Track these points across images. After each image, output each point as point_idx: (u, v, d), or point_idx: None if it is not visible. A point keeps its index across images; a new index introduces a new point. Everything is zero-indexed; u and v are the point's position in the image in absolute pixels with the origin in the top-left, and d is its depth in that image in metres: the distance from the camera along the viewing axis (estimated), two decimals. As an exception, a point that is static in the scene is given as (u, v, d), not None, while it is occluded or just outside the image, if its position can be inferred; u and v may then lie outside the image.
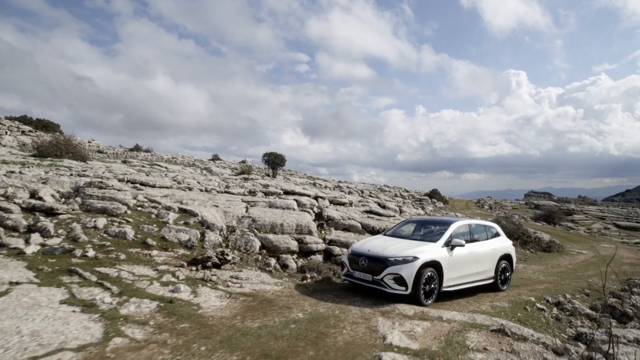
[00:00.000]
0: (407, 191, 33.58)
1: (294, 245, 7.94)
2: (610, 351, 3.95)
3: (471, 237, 6.85)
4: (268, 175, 31.58)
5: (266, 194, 11.85)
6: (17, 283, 4.36)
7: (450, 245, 6.20)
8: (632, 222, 29.67)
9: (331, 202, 12.63)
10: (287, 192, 12.49)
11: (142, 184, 10.43)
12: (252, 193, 11.71)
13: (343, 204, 13.02)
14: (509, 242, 7.79)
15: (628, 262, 12.00)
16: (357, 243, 6.72)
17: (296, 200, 10.93)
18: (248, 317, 4.37)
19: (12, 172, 9.50)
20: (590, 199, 53.97)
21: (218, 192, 11.03)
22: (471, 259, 6.58)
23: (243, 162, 45.56)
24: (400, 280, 5.45)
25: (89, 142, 39.48)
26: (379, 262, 5.68)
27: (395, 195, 29.28)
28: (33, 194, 7.55)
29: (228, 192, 11.22)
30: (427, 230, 7.03)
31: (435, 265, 5.81)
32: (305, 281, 6.73)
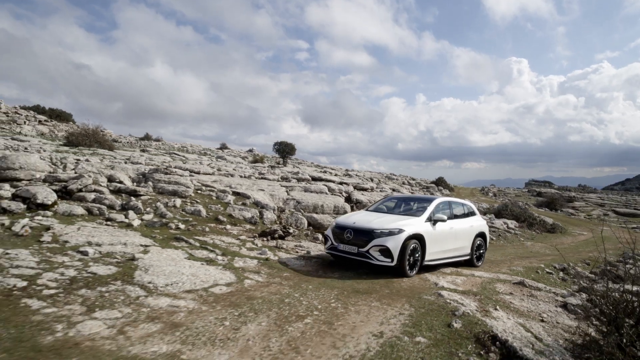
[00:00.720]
0: (413, 179, 34.90)
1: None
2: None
3: (451, 213, 7.04)
4: (278, 163, 32.77)
5: (298, 180, 13.12)
6: (147, 246, 5.65)
7: (432, 220, 6.41)
8: (631, 209, 31.15)
9: (355, 187, 13.91)
10: (314, 179, 13.75)
11: (189, 171, 11.66)
12: (285, 179, 12.98)
13: (365, 189, 14.31)
14: (484, 221, 8.19)
15: (624, 242, 13.43)
16: (341, 217, 6.85)
17: (326, 185, 12.20)
18: (328, 271, 5.70)
19: (78, 159, 10.69)
20: (590, 188, 55.36)
21: (256, 178, 12.30)
22: (451, 234, 6.81)
23: (250, 150, 46.63)
24: (386, 252, 5.57)
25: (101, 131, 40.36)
26: (365, 235, 5.77)
27: (403, 183, 30.58)
28: (110, 179, 8.79)
29: (265, 178, 12.48)
30: (409, 206, 7.27)
31: (419, 238, 5.98)
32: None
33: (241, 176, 12.18)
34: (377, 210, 7.32)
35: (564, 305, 5.05)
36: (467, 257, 7.38)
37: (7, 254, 4.42)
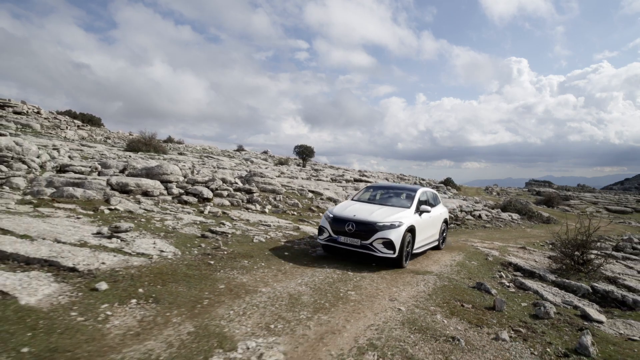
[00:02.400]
0: (423, 179, 38.59)
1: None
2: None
3: (428, 203, 7.55)
4: (299, 165, 36.35)
5: (345, 180, 16.71)
6: (289, 221, 9.17)
7: (419, 210, 6.85)
8: (621, 207, 35.03)
9: (388, 187, 17.53)
10: (356, 180, 17.33)
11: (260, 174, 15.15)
12: (334, 180, 16.55)
13: (396, 189, 17.93)
14: (446, 209, 8.89)
15: (604, 230, 17.15)
16: (335, 209, 6.87)
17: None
18: None
19: (193, 166, 14.16)
20: (589, 187, 59.28)
21: (315, 179, 15.86)
22: (430, 223, 7.27)
23: (265, 152, 50.27)
24: (389, 244, 5.79)
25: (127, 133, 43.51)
26: (367, 228, 5.92)
27: (415, 183, 34.26)
28: (223, 181, 12.27)
29: (320, 180, 16.05)
30: (395, 197, 7.58)
31: (412, 230, 6.31)
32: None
33: (302, 178, 15.74)
34: (368, 200, 7.52)
35: (549, 257, 8.66)
36: (437, 243, 8.01)
37: (222, 224, 7.94)
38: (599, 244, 8.91)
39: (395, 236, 5.83)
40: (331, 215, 6.42)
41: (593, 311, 4.85)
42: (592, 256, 7.22)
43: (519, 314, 4.55)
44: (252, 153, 46.47)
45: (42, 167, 11.26)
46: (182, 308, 3.56)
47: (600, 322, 4.61)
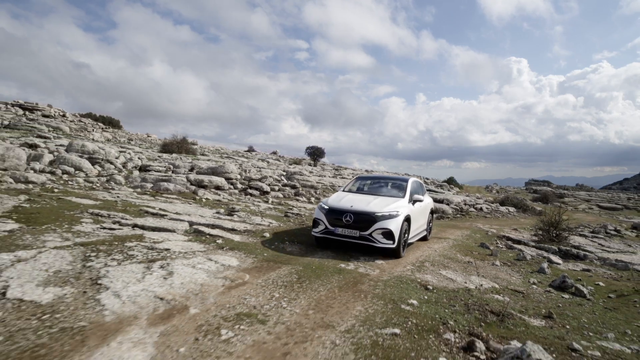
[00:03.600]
0: (428, 179, 41.51)
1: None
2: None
3: (418, 192, 7.55)
4: (310, 164, 39.21)
5: (364, 178, 19.56)
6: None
7: (412, 200, 6.90)
8: (612, 204, 38.07)
9: (401, 184, 20.39)
10: (373, 178, 20.18)
11: (299, 173, 17.94)
12: (355, 178, 19.41)
13: (408, 186, 20.79)
14: (431, 199, 9.07)
15: (587, 221, 20.07)
16: (329, 200, 6.73)
17: (385, 183, 18.62)
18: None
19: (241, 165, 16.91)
20: (587, 187, 62.27)
21: (340, 177, 18.67)
22: (420, 213, 7.32)
23: (274, 152, 53.17)
24: (389, 234, 5.78)
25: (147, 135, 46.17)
26: (367, 218, 5.89)
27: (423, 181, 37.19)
28: (261, 178, 15.07)
29: (343, 177, 18.85)
30: (387, 187, 7.63)
31: (408, 220, 6.29)
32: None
33: (329, 176, 18.55)
34: (361, 191, 7.51)
35: (534, 234, 11.50)
36: (425, 233, 8.07)
37: (290, 209, 10.72)
38: (571, 226, 11.76)
39: (395, 226, 5.84)
40: (326, 207, 6.34)
41: (555, 258, 7.71)
42: (563, 231, 10.07)
43: (507, 258, 7.40)
44: (263, 154, 49.25)
45: (125, 166, 14.08)
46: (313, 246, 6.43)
47: (558, 264, 7.45)
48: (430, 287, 4.66)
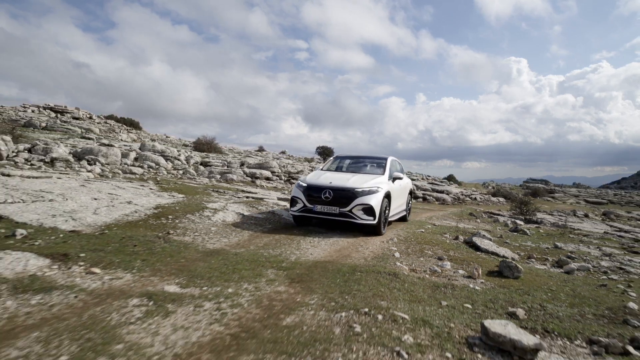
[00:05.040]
0: (429, 176, 45.48)
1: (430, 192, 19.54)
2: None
3: (397, 170, 7.63)
4: (319, 162, 43.00)
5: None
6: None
7: (392, 178, 6.95)
8: (599, 199, 42.14)
9: (411, 179, 24.29)
10: (383, 173, 24.08)
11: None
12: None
13: (415, 179, 24.60)
14: (410, 180, 9.24)
15: (565, 209, 24.02)
16: (307, 177, 6.71)
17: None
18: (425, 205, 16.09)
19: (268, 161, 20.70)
20: (584, 186, 66.31)
21: (356, 172, 22.54)
22: (400, 191, 7.41)
23: (283, 152, 56.99)
24: (369, 210, 5.81)
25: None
26: (346, 194, 5.88)
27: (422, 178, 41.07)
28: (298, 172, 18.85)
29: (359, 173, 22.72)
30: (365, 164, 7.62)
31: (388, 196, 6.38)
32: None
33: (347, 171, 22.40)
34: (339, 169, 7.55)
35: (511, 212, 15.35)
36: (405, 213, 8.15)
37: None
38: (546, 210, 15.65)
39: (375, 202, 5.85)
40: (304, 185, 6.30)
41: (520, 222, 11.58)
42: (530, 209, 13.93)
43: (486, 221, 11.26)
44: (273, 153, 52.97)
45: (188, 162, 17.85)
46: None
47: (521, 224, 11.32)
48: (436, 224, 8.52)
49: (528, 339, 2.40)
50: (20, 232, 4.31)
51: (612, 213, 20.19)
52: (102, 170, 12.61)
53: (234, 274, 3.56)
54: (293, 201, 6.37)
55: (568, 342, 2.71)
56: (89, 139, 25.03)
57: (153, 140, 41.86)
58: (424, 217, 10.06)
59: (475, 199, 22.08)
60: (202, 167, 16.56)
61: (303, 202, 6.16)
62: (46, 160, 12.49)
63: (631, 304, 3.65)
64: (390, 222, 7.34)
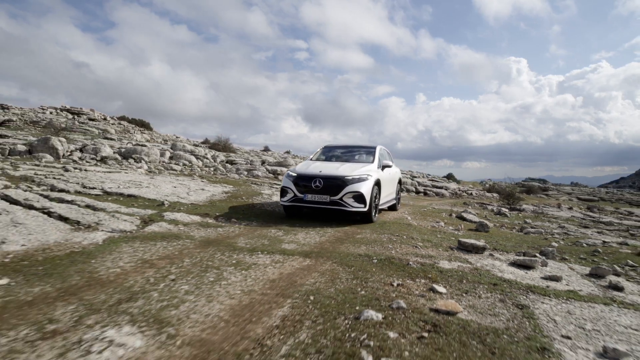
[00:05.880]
0: (429, 174, 48.09)
1: (430, 188, 22.02)
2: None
3: (386, 159, 7.83)
4: (325, 163, 45.43)
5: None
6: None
7: (382, 165, 7.12)
8: (591, 197, 44.71)
9: (412, 177, 26.70)
10: (387, 171, 26.59)
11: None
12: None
13: (416, 177, 27.08)
14: (399, 169, 9.22)
15: (553, 203, 26.54)
16: (297, 168, 6.80)
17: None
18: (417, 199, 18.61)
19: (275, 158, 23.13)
20: (582, 185, 68.85)
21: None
22: (390, 179, 7.62)
23: (288, 152, 59.37)
24: (360, 198, 5.95)
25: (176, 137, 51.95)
26: (336, 183, 6.00)
27: (423, 177, 43.61)
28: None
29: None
30: (353, 153, 7.76)
31: (378, 184, 6.52)
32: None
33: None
34: (328, 159, 7.62)
35: (499, 205, 17.84)
36: (394, 202, 8.29)
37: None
38: (534, 203, 18.13)
39: (366, 189, 5.95)
40: (294, 174, 6.37)
41: (506, 210, 14.07)
42: (516, 200, 16.41)
43: (478, 208, 13.75)
44: (278, 153, 55.44)
45: (214, 160, 20.30)
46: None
47: (506, 211, 13.80)
48: (435, 208, 11.00)
49: (479, 243, 4.88)
50: (166, 202, 6.77)
51: (596, 207, 22.68)
52: (148, 167, 15.04)
53: (314, 223, 6.06)
54: (283, 191, 6.44)
55: (505, 252, 5.18)
56: (111, 139, 27.34)
57: (165, 140, 44.24)
58: (425, 204, 12.53)
59: (471, 194, 24.58)
60: (229, 165, 18.96)
61: (293, 192, 6.24)
62: (97, 158, 14.91)
63: (553, 243, 6.14)
64: (380, 211, 7.50)
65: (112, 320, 2.13)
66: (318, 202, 6.06)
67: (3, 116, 25.93)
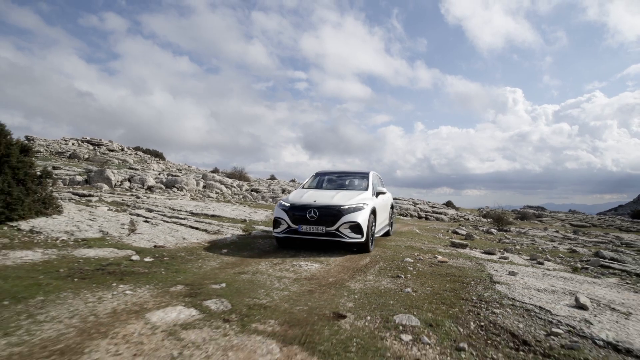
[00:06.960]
0: (429, 202, 51.20)
1: (431, 213, 25.00)
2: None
3: (379, 185, 7.88)
4: (330, 191, 48.49)
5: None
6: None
7: (376, 192, 7.06)
8: (582, 223, 47.71)
9: (414, 204, 29.74)
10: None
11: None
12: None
13: (417, 204, 30.12)
14: (390, 194, 9.16)
15: (542, 228, 29.49)
16: (289, 197, 6.59)
17: (410, 202, 27.87)
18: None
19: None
20: (580, 212, 71.72)
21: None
22: (384, 205, 7.68)
23: (293, 180, 62.40)
24: (357, 228, 5.79)
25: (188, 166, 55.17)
26: (332, 212, 5.82)
27: (424, 204, 46.63)
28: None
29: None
30: (346, 180, 7.71)
31: (374, 212, 6.43)
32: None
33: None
34: (321, 187, 7.54)
35: (490, 227, 20.76)
36: (388, 228, 8.54)
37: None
38: (524, 228, 21.07)
39: (362, 219, 5.85)
40: (287, 204, 6.21)
41: (494, 230, 17.02)
42: (504, 223, 19.37)
43: (472, 229, 16.70)
44: (284, 181, 58.51)
45: (240, 189, 23.32)
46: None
47: (494, 231, 16.75)
48: (436, 227, 13.95)
49: (465, 243, 7.90)
50: (247, 219, 9.74)
51: (582, 231, 25.61)
52: (190, 195, 18.01)
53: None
54: (276, 222, 6.22)
55: (480, 248, 8.16)
56: (135, 169, 30.37)
57: (179, 170, 47.34)
58: (427, 224, 15.47)
59: (467, 219, 27.55)
60: (254, 193, 21.95)
61: (287, 223, 6.04)
62: (144, 187, 17.90)
63: (517, 247, 9.11)
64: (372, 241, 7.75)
65: (304, 260, 5.15)
66: (313, 234, 5.88)
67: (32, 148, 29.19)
